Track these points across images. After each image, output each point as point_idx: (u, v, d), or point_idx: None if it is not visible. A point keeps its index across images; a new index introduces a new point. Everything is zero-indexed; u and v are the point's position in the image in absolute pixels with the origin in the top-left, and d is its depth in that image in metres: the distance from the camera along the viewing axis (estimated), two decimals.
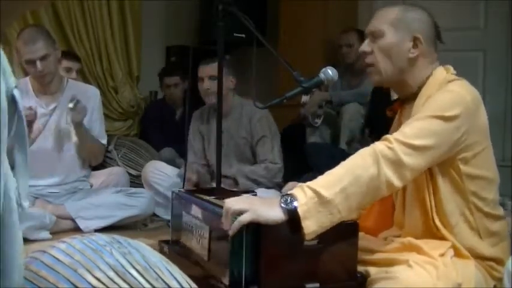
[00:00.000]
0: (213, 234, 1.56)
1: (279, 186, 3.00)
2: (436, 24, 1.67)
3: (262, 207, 1.39)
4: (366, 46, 1.67)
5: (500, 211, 1.65)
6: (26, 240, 2.68)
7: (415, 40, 1.62)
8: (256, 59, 1.87)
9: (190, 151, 3.29)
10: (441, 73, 1.63)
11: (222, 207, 1.45)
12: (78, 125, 2.91)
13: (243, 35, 3.71)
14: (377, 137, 1.54)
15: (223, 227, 1.41)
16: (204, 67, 3.13)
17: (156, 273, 0.86)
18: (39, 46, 2.79)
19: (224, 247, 1.44)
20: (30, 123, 2.77)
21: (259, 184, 3.12)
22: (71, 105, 2.82)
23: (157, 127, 4.48)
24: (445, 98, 1.53)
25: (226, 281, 1.42)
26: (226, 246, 1.41)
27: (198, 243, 1.65)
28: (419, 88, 1.62)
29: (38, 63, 2.79)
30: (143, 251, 0.90)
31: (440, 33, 1.68)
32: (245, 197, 1.55)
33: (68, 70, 3.64)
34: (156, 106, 4.71)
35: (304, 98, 3.77)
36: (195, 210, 1.69)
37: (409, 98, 1.66)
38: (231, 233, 1.38)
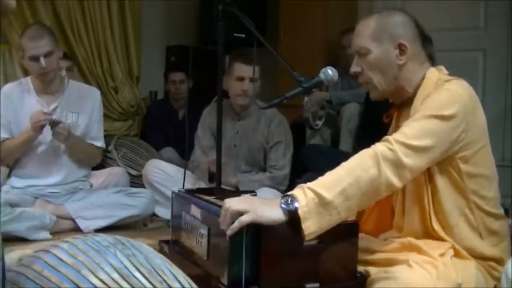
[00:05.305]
0: (211, 234, 1.56)
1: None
2: (417, 23, 1.66)
3: (262, 207, 1.39)
4: (355, 67, 1.68)
5: (500, 210, 1.65)
6: (26, 240, 2.68)
7: (401, 46, 1.61)
8: (256, 59, 1.87)
9: (198, 147, 3.24)
10: (434, 73, 1.63)
11: (221, 206, 1.44)
12: (63, 141, 2.90)
13: (243, 35, 3.70)
14: (373, 139, 1.53)
15: (221, 226, 1.41)
16: (249, 68, 2.97)
17: (160, 276, 0.85)
18: (44, 42, 2.81)
19: (223, 247, 1.44)
20: (42, 127, 2.78)
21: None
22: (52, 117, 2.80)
23: (158, 126, 4.48)
24: (443, 97, 1.53)
25: (225, 281, 1.42)
26: (225, 246, 1.41)
27: (197, 243, 1.65)
28: (415, 91, 1.63)
29: (42, 59, 2.80)
30: (146, 253, 0.89)
31: (425, 31, 1.67)
32: (245, 197, 1.54)
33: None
34: (158, 105, 4.71)
35: (306, 100, 3.76)
36: (194, 210, 1.69)
37: (405, 102, 1.67)
38: (229, 232, 1.37)
